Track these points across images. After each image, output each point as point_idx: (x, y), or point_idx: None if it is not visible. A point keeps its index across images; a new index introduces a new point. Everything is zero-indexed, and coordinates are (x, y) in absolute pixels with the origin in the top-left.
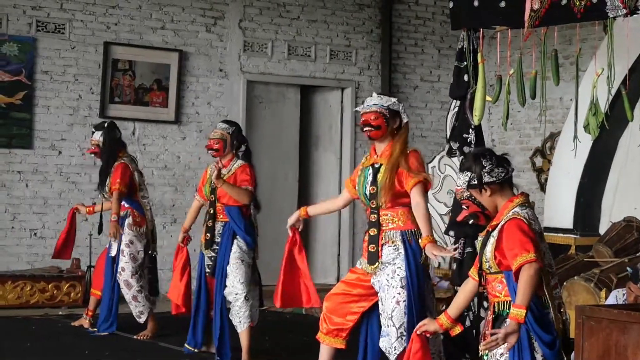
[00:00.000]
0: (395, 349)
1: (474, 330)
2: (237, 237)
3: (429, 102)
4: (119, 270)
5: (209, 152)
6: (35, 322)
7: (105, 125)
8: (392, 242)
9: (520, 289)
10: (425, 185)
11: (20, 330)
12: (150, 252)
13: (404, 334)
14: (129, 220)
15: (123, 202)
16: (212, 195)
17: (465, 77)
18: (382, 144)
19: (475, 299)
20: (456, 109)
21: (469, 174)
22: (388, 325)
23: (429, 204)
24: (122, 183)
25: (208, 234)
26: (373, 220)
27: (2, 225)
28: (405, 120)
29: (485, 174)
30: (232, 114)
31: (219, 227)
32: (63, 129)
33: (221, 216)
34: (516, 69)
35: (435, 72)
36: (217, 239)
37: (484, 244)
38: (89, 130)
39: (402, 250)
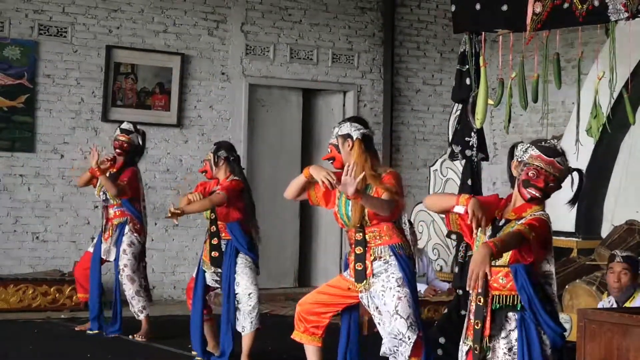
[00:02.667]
0: (409, 339)
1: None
2: (240, 253)
3: (431, 105)
4: (122, 267)
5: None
6: (37, 325)
7: (142, 131)
8: (381, 258)
9: (507, 237)
10: (395, 203)
11: (22, 333)
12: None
13: (413, 323)
14: (129, 227)
15: (124, 209)
16: (213, 214)
17: (468, 81)
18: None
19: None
20: (458, 112)
21: (565, 164)
22: (394, 321)
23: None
24: (128, 184)
25: (215, 252)
26: (359, 238)
27: (4, 229)
28: (354, 137)
29: (562, 180)
30: (234, 118)
31: (222, 245)
32: (65, 132)
33: (223, 234)
34: (518, 73)
35: (438, 76)
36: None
37: (495, 233)
38: (91, 134)
39: (393, 262)
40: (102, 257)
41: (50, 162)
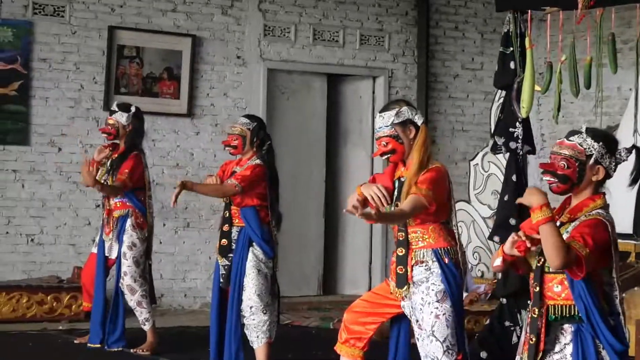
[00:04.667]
0: None
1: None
2: (254, 244)
3: (470, 92)
4: (122, 275)
5: (226, 148)
6: (32, 337)
7: (133, 108)
8: (423, 262)
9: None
10: (420, 201)
11: (15, 346)
12: (148, 260)
13: (450, 347)
14: (130, 221)
15: (125, 200)
16: (227, 197)
17: (512, 65)
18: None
19: (524, 314)
20: (501, 100)
21: (604, 147)
22: (430, 343)
23: (471, 206)
24: (130, 177)
25: (224, 240)
26: (401, 238)
27: None
28: (419, 122)
29: (615, 163)
30: (251, 106)
31: (234, 232)
32: (63, 123)
33: (237, 220)
34: (568, 55)
35: (478, 59)
36: (233, 246)
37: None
38: (91, 125)
39: (435, 269)
40: (107, 255)
41: (47, 156)
